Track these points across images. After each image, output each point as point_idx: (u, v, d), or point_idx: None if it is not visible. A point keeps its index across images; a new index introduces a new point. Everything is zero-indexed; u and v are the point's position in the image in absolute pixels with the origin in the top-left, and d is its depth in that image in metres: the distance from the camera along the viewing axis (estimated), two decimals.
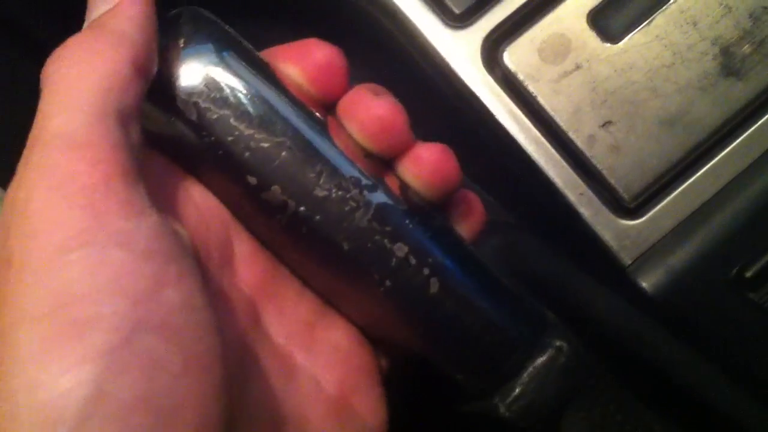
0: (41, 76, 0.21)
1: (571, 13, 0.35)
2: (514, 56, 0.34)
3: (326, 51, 0.25)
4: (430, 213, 0.25)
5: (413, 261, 0.24)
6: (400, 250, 0.24)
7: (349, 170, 0.24)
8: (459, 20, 0.35)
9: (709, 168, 0.34)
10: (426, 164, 0.25)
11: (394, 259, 0.23)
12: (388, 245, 0.23)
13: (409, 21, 0.35)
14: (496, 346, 0.25)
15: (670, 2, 0.34)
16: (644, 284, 0.33)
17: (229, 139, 0.23)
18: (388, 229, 0.24)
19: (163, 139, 0.24)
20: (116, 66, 0.20)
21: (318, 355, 0.25)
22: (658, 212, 0.34)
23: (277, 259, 0.26)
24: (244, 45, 0.24)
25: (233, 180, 0.24)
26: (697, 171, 0.34)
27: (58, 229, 0.17)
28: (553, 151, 0.34)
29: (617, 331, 0.33)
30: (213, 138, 0.23)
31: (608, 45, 0.34)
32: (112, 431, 0.16)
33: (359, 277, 0.24)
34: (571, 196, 0.34)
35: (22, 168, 0.19)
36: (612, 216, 0.34)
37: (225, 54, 0.23)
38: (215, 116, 0.23)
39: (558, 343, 0.26)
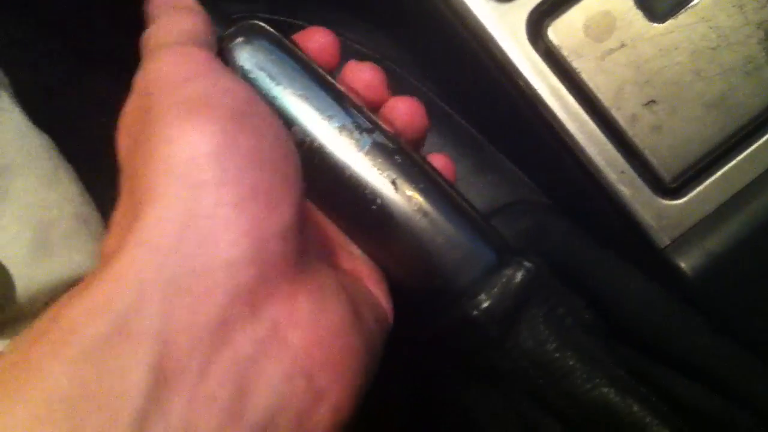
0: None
1: None
2: (559, 32, 0.34)
3: (324, 37, 0.34)
4: (412, 151, 0.32)
5: (399, 184, 0.30)
6: (389, 176, 0.30)
7: (352, 115, 0.31)
8: None
9: (751, 151, 0.34)
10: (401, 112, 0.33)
11: (383, 183, 0.30)
12: (380, 172, 0.30)
13: None
14: (466, 256, 0.30)
15: None
16: (682, 265, 0.33)
17: (265, 92, 0.31)
18: (379, 160, 0.30)
19: None
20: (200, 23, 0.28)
21: (339, 255, 0.31)
22: (698, 194, 0.33)
23: None
24: (282, 39, 0.32)
25: None
26: (739, 154, 0.34)
27: (180, 69, 0.25)
28: (595, 128, 0.34)
29: (646, 317, 0.33)
30: (256, 90, 0.30)
31: (654, 24, 0.34)
32: (238, 163, 0.22)
33: (357, 196, 0.30)
34: (612, 175, 0.34)
35: (144, 59, 0.26)
36: (652, 195, 0.34)
37: (266, 43, 0.32)
38: (255, 77, 0.31)
39: (519, 261, 0.30)
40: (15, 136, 0.30)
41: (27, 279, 0.27)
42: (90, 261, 0.30)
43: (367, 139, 0.31)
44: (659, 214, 0.34)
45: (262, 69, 0.31)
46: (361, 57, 0.45)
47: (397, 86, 0.44)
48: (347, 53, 0.44)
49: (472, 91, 0.41)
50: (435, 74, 0.42)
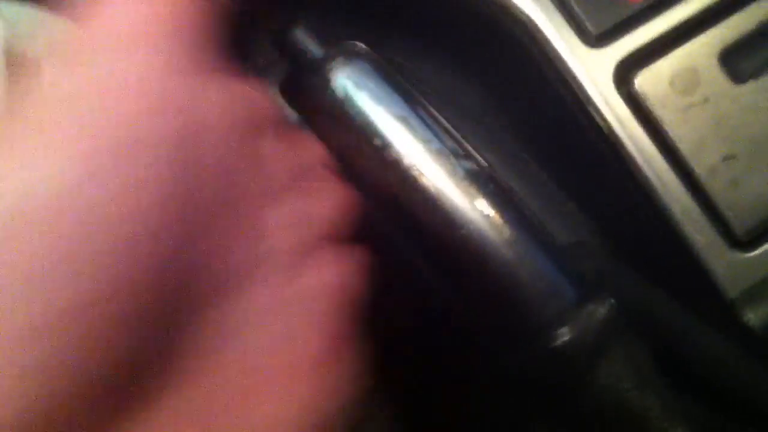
0: None
1: (704, 49, 0.36)
2: (645, 81, 0.36)
3: None
4: (501, 181, 0.32)
5: (489, 212, 0.31)
6: (480, 204, 0.30)
7: (449, 141, 0.32)
8: (596, 41, 0.36)
9: None
10: None
11: (474, 210, 0.31)
12: (471, 199, 0.31)
13: (546, 37, 0.36)
14: (552, 289, 0.31)
15: None
16: (749, 317, 0.34)
17: (363, 112, 0.31)
18: (472, 188, 0.31)
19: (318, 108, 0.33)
20: None
21: None
22: None
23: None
24: (381, 61, 0.33)
25: (360, 142, 0.32)
26: None
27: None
28: (673, 176, 0.35)
29: (718, 370, 0.34)
30: (356, 108, 0.32)
31: (736, 84, 0.36)
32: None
33: (447, 220, 0.31)
34: (686, 223, 0.35)
35: None
36: (724, 246, 0.35)
37: (367, 64, 0.33)
38: (354, 97, 0.32)
39: (603, 296, 0.31)
40: None
41: None
42: None
43: (462, 165, 0.32)
44: (729, 265, 0.35)
45: (362, 89, 0.32)
46: (428, 93, 0.46)
47: (463, 118, 0.45)
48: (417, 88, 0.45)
49: (545, 130, 0.42)
50: (506, 111, 0.44)
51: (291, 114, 0.33)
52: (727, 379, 0.34)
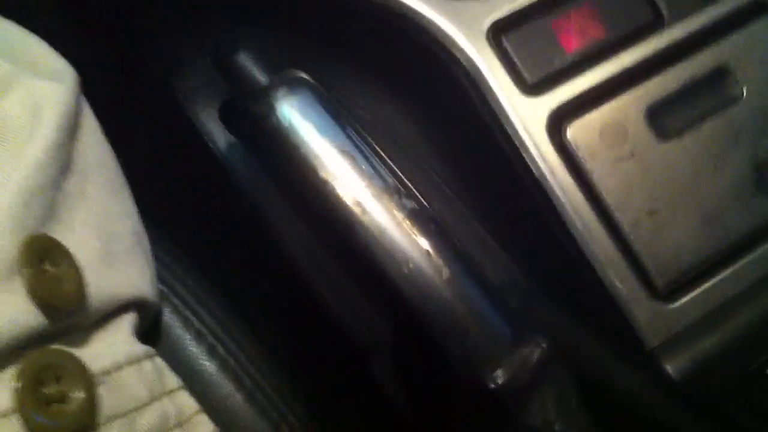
0: None
1: (632, 104, 0.37)
2: (577, 132, 0.37)
3: None
4: (447, 226, 0.33)
5: (431, 252, 0.31)
6: (423, 243, 0.31)
7: (393, 179, 0.32)
8: (531, 89, 0.37)
9: (738, 267, 0.36)
10: None
11: (417, 249, 0.31)
12: (415, 238, 0.31)
13: (485, 82, 0.37)
14: (489, 330, 0.31)
15: (720, 113, 0.38)
16: (668, 367, 0.35)
17: (306, 145, 0.31)
18: (416, 226, 0.31)
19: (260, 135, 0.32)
20: None
21: None
22: (688, 300, 0.36)
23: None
24: (325, 93, 0.33)
25: (305, 173, 0.31)
26: (727, 268, 0.36)
27: None
28: (600, 227, 0.36)
29: (637, 404, 0.35)
30: (300, 139, 0.31)
31: (661, 141, 0.37)
32: None
33: (391, 257, 0.31)
34: (611, 272, 0.36)
35: None
36: (646, 297, 0.36)
37: (312, 95, 0.33)
38: (298, 128, 0.31)
39: (538, 341, 0.32)
40: (93, 141, 0.29)
41: (94, 286, 0.26)
42: (144, 283, 0.29)
43: (406, 203, 0.31)
44: (650, 316, 0.36)
45: (308, 119, 0.31)
46: (364, 124, 0.46)
47: (392, 154, 0.45)
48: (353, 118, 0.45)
49: (478, 171, 0.42)
50: (440, 149, 0.44)
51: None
52: (644, 415, 0.35)
